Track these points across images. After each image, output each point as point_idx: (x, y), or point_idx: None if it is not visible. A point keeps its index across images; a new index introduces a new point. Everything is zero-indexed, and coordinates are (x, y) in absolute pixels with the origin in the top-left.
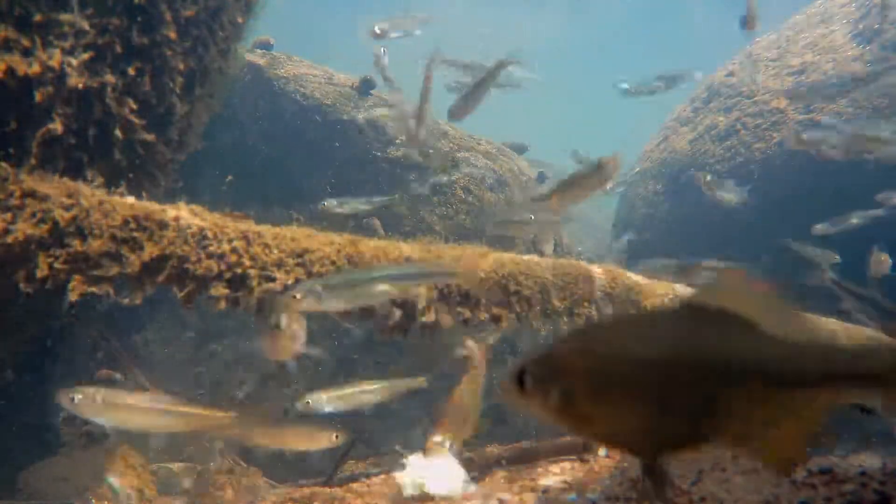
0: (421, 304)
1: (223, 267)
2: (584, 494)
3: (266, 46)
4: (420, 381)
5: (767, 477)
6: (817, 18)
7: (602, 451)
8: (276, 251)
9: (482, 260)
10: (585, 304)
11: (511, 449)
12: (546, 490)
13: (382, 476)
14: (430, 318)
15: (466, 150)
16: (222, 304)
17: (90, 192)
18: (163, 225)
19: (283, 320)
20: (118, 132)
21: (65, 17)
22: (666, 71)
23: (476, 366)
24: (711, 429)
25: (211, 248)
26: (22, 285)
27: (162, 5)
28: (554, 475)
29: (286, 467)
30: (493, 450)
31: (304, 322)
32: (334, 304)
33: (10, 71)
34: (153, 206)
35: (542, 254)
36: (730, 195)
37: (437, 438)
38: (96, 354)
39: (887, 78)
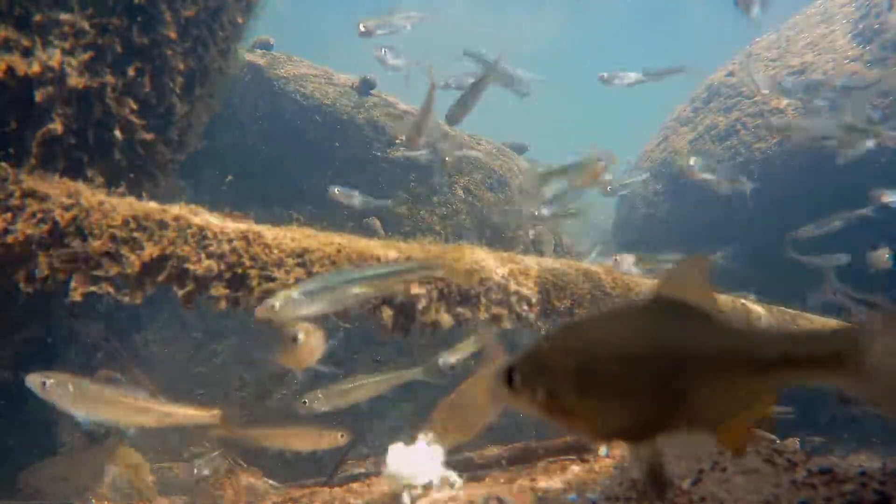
0: (421, 304)
1: (223, 267)
2: (584, 494)
3: (266, 46)
4: (415, 372)
5: (768, 477)
6: (817, 18)
7: (602, 451)
8: (276, 251)
9: (467, 253)
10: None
11: (511, 449)
12: (546, 490)
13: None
14: (430, 318)
15: (467, 149)
16: (222, 304)
17: (90, 193)
18: (163, 225)
19: (301, 334)
20: (118, 132)
21: (65, 16)
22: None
23: (492, 361)
24: (686, 415)
25: (211, 248)
26: (22, 285)
27: (162, 5)
28: (554, 475)
29: (286, 467)
30: (493, 450)
31: (321, 333)
32: (314, 309)
33: (10, 71)
34: (153, 206)
35: (542, 254)
36: (710, 175)
37: (423, 436)
38: (96, 354)
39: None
